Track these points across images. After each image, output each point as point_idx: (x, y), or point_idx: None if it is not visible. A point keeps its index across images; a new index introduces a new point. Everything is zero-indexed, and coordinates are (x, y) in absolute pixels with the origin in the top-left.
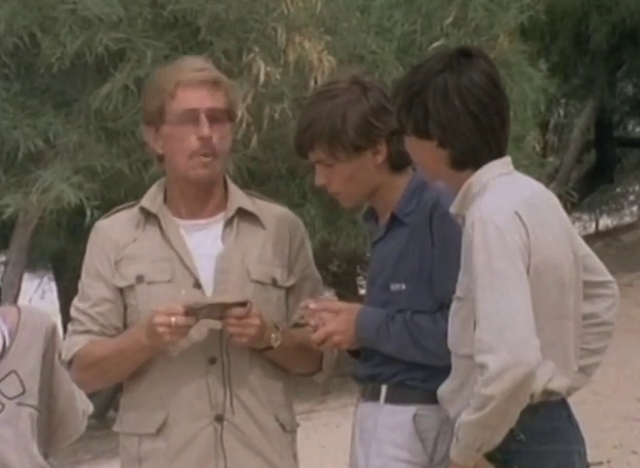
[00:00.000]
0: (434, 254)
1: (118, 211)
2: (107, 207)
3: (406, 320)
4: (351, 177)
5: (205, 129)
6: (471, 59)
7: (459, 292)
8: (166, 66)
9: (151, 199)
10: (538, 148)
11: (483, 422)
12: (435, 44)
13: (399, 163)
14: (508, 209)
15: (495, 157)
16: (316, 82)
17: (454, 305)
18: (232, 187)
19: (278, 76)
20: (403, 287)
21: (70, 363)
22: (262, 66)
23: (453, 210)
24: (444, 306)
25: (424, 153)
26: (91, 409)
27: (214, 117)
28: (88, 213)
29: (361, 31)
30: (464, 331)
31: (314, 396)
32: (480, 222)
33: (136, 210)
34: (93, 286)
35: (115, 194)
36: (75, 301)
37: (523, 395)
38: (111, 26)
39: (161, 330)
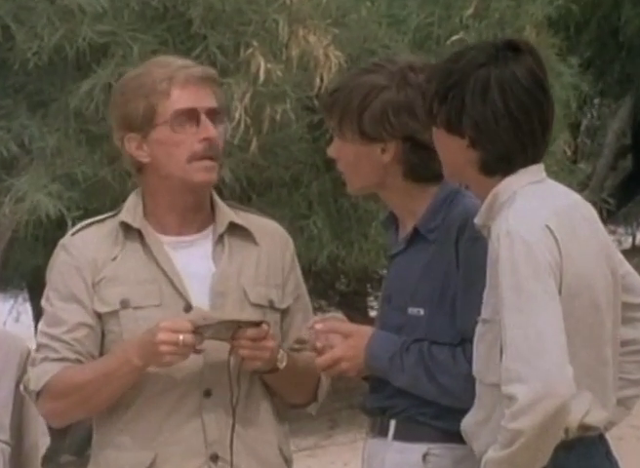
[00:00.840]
0: (459, 283)
1: (87, 226)
2: (89, 218)
3: (422, 352)
4: (355, 163)
5: (210, 129)
6: (518, 54)
7: (484, 314)
8: (137, 69)
9: (131, 213)
10: (568, 153)
11: (511, 460)
12: (454, 37)
13: (417, 174)
14: (538, 221)
15: (529, 164)
16: (322, 79)
17: (479, 328)
18: (217, 200)
19: (280, 73)
20: (421, 312)
21: (39, 394)
22: (262, 63)
23: (477, 220)
24: (466, 341)
25: (452, 150)
26: (45, 448)
27: (213, 118)
28: (69, 224)
29: (372, 23)
30: (491, 357)
31: (320, 430)
32: (507, 236)
33: (111, 224)
34: (67, 309)
35: (98, 204)
36: (43, 327)
37: (555, 430)
38: (94, 18)
39: (164, 348)
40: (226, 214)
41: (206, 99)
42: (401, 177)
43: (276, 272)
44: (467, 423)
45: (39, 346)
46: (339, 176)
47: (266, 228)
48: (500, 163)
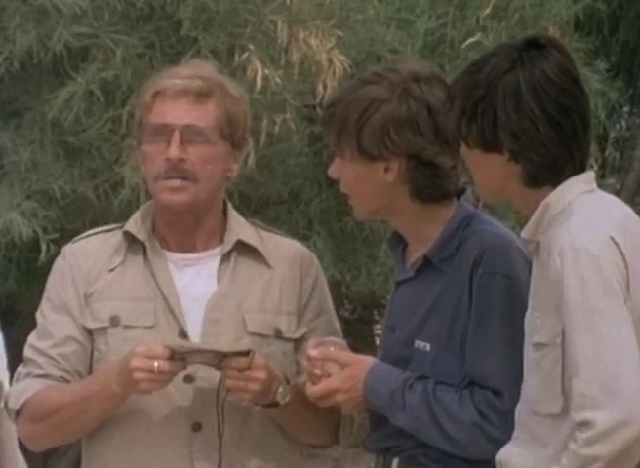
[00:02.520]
0: (470, 322)
1: (92, 234)
2: (67, 240)
3: (427, 392)
4: (357, 183)
5: (172, 150)
6: (544, 51)
7: (540, 338)
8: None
9: (138, 224)
10: (595, 166)
11: None
12: (470, 40)
13: (424, 194)
14: (603, 234)
15: (577, 171)
16: (325, 87)
17: (534, 355)
18: (234, 215)
19: (278, 80)
20: (428, 347)
21: (18, 413)
22: (259, 68)
23: (525, 234)
24: (475, 385)
25: (491, 169)
26: None
27: (193, 136)
28: (43, 247)
29: (379, 24)
30: (549, 386)
31: None
32: (572, 251)
33: (115, 235)
34: (57, 322)
35: (77, 224)
36: (32, 340)
37: (632, 458)
38: (73, 19)
39: (139, 375)
40: (237, 231)
41: (185, 115)
42: (408, 199)
43: (291, 298)
44: (504, 455)
45: (25, 360)
46: (342, 193)
47: (285, 249)
48: (547, 172)
